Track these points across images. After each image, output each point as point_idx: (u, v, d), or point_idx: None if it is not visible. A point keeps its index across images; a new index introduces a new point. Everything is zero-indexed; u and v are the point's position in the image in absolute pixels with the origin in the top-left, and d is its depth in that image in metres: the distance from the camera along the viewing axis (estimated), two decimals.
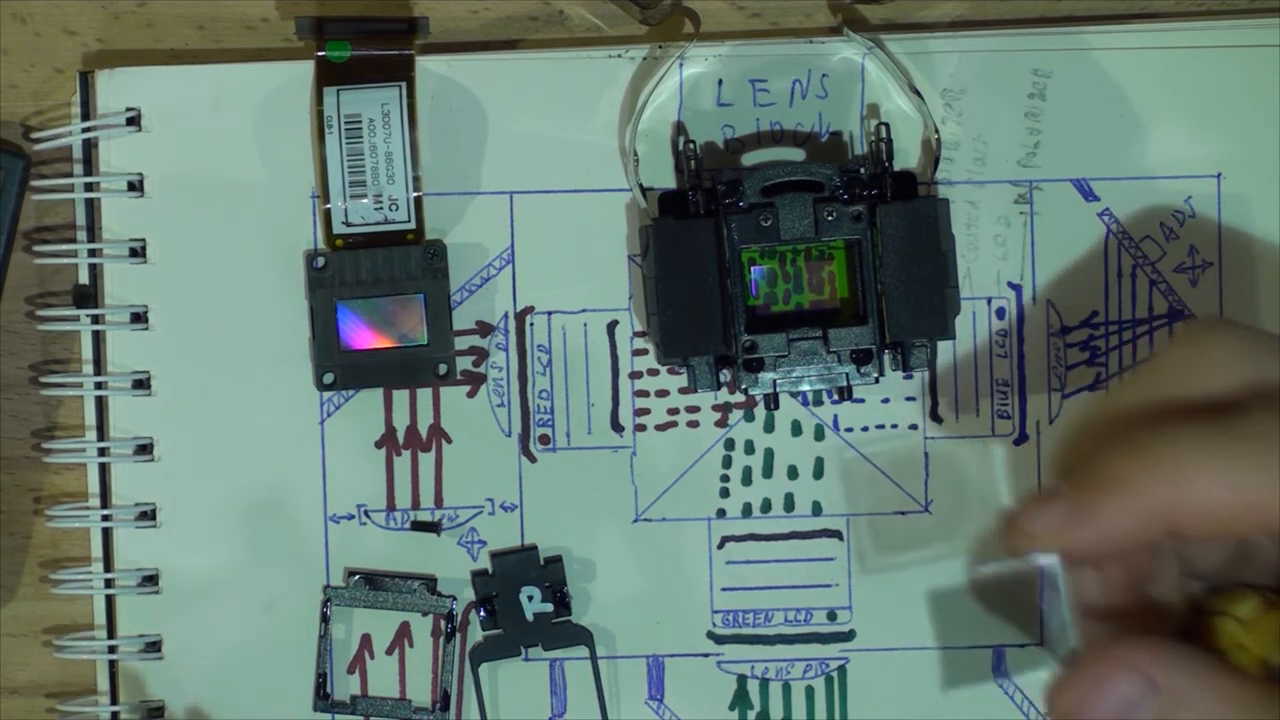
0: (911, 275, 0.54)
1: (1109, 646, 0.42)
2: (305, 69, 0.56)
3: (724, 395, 0.57)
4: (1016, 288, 0.57)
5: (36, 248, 0.56)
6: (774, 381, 0.54)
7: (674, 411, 0.57)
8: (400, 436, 0.57)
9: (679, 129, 0.57)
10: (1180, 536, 0.41)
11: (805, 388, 0.55)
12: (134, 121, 0.56)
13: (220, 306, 0.56)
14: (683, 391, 0.57)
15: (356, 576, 0.57)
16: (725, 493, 0.57)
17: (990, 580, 0.57)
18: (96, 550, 0.57)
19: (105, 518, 0.56)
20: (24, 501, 0.57)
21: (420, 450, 0.57)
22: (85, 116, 0.56)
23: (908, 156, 0.57)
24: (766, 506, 0.57)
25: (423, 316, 0.56)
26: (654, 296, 0.54)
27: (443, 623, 0.57)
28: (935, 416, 0.57)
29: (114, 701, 0.57)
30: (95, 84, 0.56)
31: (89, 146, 0.56)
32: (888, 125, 0.55)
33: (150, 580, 0.57)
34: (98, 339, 0.57)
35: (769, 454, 0.57)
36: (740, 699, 0.57)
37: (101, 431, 0.57)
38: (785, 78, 0.57)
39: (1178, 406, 0.42)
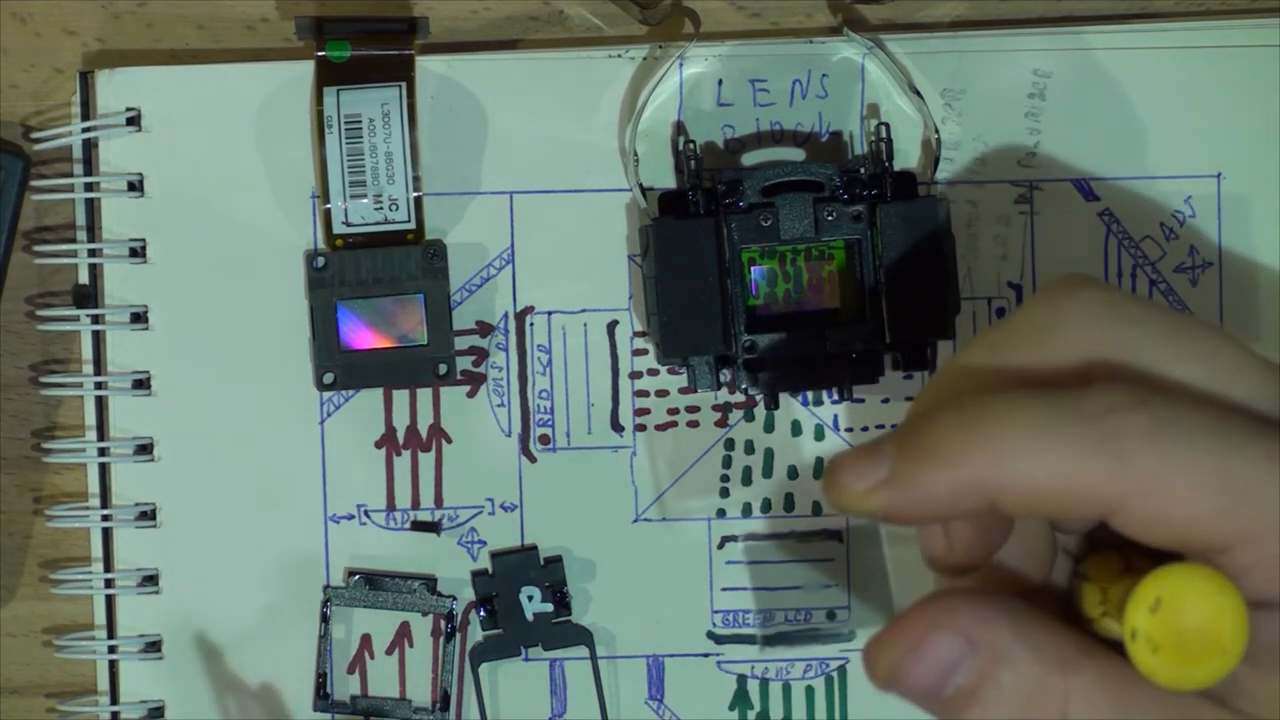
0: (911, 275, 0.54)
1: (926, 603, 0.39)
2: (305, 69, 0.56)
3: (724, 395, 0.57)
4: (1016, 288, 0.57)
5: (36, 248, 0.56)
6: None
7: (674, 411, 0.57)
8: (400, 436, 0.57)
9: (679, 129, 0.57)
10: (1002, 512, 0.39)
11: (805, 388, 0.55)
12: (134, 121, 0.56)
13: (220, 306, 0.56)
14: (683, 391, 0.57)
15: (356, 576, 0.57)
16: (725, 493, 0.57)
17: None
18: (96, 550, 0.57)
19: (105, 518, 0.56)
20: (24, 501, 0.57)
21: (420, 450, 0.57)
22: (85, 116, 0.56)
23: (908, 156, 0.57)
24: (766, 506, 0.57)
25: (423, 316, 0.56)
26: (654, 296, 0.54)
27: (443, 623, 0.57)
28: None
29: (114, 701, 0.57)
30: (95, 84, 0.56)
31: (89, 146, 0.56)
32: (888, 125, 0.55)
33: (150, 580, 0.57)
34: (98, 339, 0.57)
35: (769, 454, 0.57)
36: (740, 699, 0.57)
37: (101, 431, 0.57)
38: (785, 78, 0.57)
39: (1022, 374, 0.40)
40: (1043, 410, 0.38)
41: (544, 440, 0.57)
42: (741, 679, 0.57)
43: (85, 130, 0.56)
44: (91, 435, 0.57)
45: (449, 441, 0.57)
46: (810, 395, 0.57)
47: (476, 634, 0.57)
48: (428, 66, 0.56)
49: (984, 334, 0.42)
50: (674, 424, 0.57)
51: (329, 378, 0.56)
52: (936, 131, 0.56)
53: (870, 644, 0.40)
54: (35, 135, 0.56)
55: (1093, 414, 0.38)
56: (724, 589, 0.57)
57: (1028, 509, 0.39)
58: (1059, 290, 0.41)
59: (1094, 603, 0.40)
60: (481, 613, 0.57)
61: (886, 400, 0.57)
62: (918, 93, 0.56)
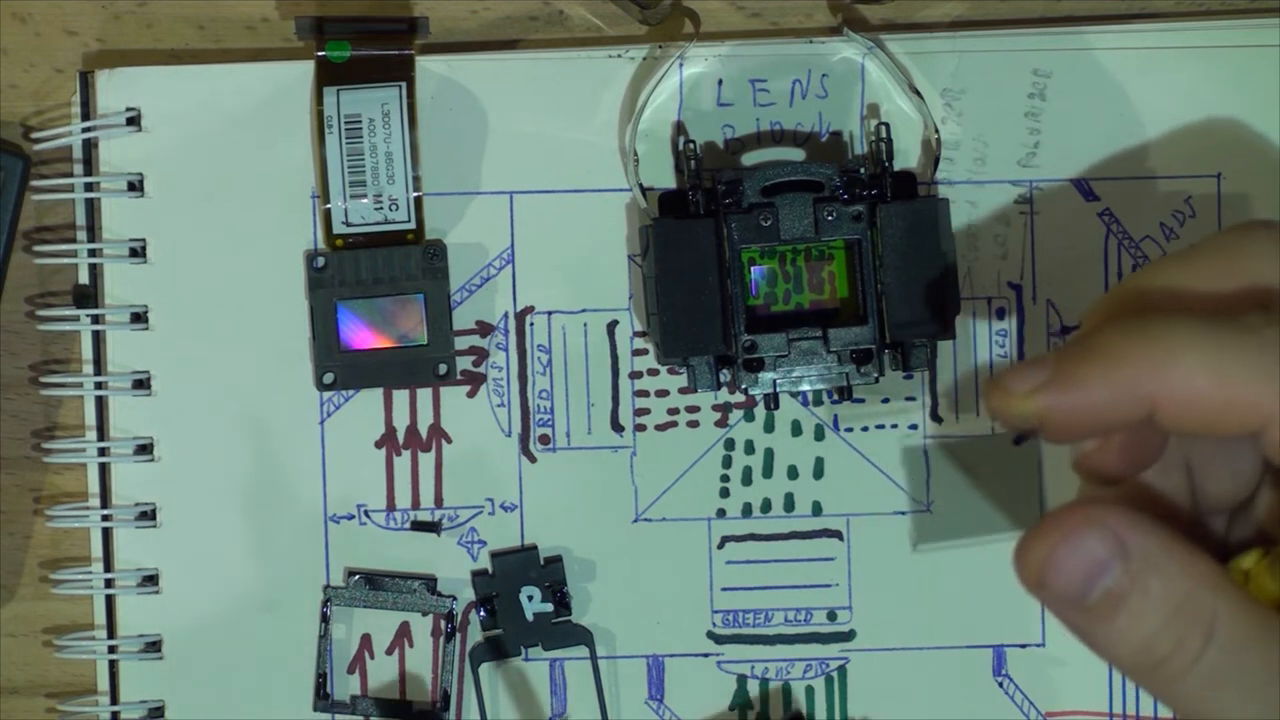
0: (911, 275, 0.54)
1: (1079, 502, 0.40)
2: (305, 69, 0.56)
3: (724, 395, 0.57)
4: (1016, 288, 0.57)
5: (36, 248, 0.56)
6: (774, 381, 0.54)
7: (674, 411, 0.57)
8: (400, 436, 0.57)
9: (679, 129, 0.57)
10: (1161, 425, 0.40)
11: (805, 388, 0.55)
12: (134, 121, 0.56)
13: (220, 306, 0.56)
14: (683, 391, 0.57)
15: (356, 576, 0.57)
16: (725, 493, 0.57)
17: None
18: (96, 550, 0.57)
19: (105, 518, 0.56)
20: (24, 501, 0.57)
21: (420, 450, 0.57)
22: (85, 116, 0.56)
23: (908, 156, 0.57)
24: (766, 506, 0.57)
25: (423, 316, 0.56)
26: (654, 296, 0.54)
27: (443, 623, 0.57)
28: (935, 416, 0.57)
29: (114, 701, 0.57)
30: (95, 84, 0.56)
31: (89, 146, 0.56)
32: (888, 125, 0.55)
33: (150, 580, 0.57)
34: (98, 339, 0.57)
35: (769, 454, 0.57)
36: (740, 699, 0.57)
37: (101, 431, 0.57)
38: (785, 78, 0.57)
39: (1199, 294, 0.41)
40: (1205, 320, 0.39)
41: (544, 440, 0.57)
42: (741, 679, 0.57)
43: (85, 130, 0.56)
44: (91, 435, 0.57)
45: (449, 441, 0.57)
46: (810, 395, 0.57)
47: (476, 634, 0.57)
48: (428, 66, 0.56)
49: (1171, 256, 0.43)
50: (674, 424, 0.57)
51: (329, 378, 0.56)
52: (936, 131, 0.56)
53: (1021, 540, 0.40)
54: (35, 135, 0.56)
55: (1253, 326, 0.39)
56: (724, 589, 0.57)
57: (1184, 417, 0.39)
58: (1251, 223, 0.42)
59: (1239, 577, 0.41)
60: (481, 613, 0.57)
61: (886, 400, 0.57)
62: (918, 93, 0.56)
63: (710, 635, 0.57)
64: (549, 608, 0.56)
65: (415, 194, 0.55)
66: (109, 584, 0.57)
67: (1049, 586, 0.39)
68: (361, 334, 0.56)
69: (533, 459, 0.57)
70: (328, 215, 0.55)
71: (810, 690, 0.57)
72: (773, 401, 0.55)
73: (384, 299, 0.56)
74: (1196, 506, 0.43)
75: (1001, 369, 0.41)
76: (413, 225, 0.55)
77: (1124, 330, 0.40)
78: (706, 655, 0.57)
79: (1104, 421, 0.40)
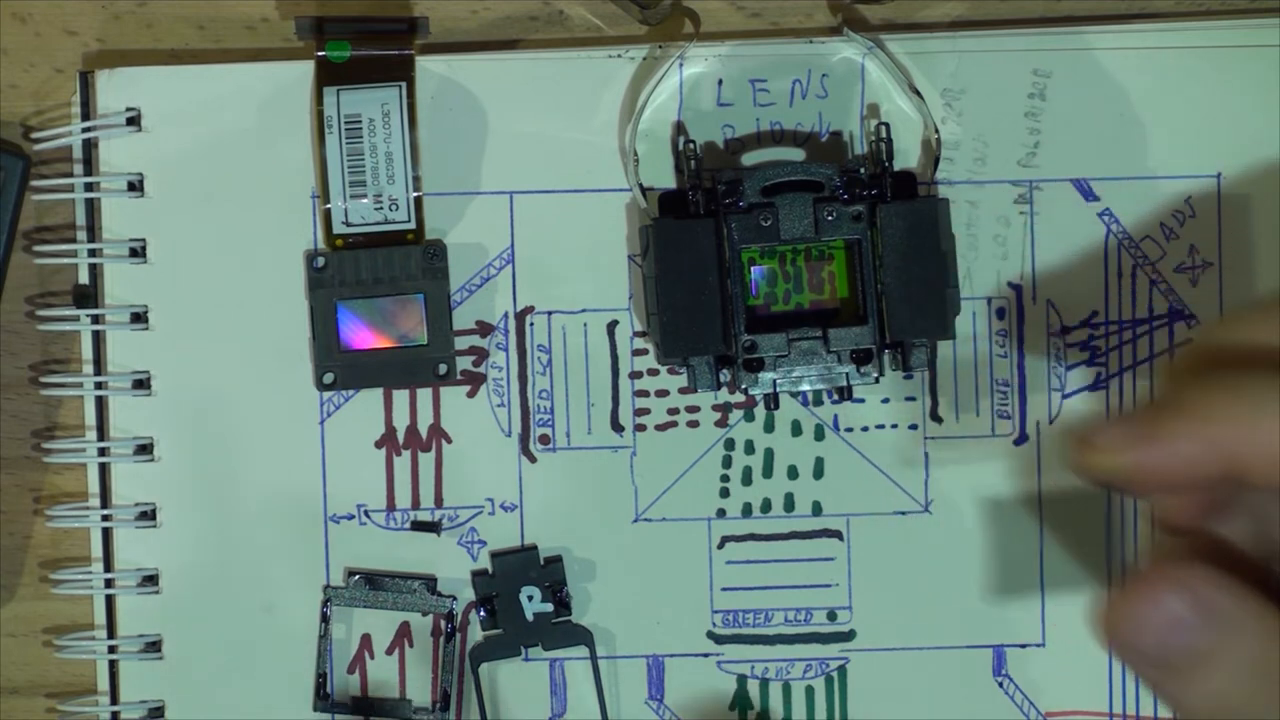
0: (911, 275, 0.54)
1: (1161, 565, 0.41)
2: (305, 69, 0.56)
3: (724, 395, 0.57)
4: (1016, 288, 0.57)
5: (36, 248, 0.56)
6: (774, 381, 0.54)
7: (674, 411, 0.57)
8: (400, 436, 0.57)
9: (679, 129, 0.57)
10: (1245, 481, 0.40)
11: (805, 388, 0.55)
12: (134, 121, 0.56)
13: (220, 306, 0.56)
14: (683, 391, 0.57)
15: (356, 576, 0.57)
16: (725, 493, 0.57)
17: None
18: (96, 550, 0.57)
19: (105, 518, 0.56)
20: (24, 501, 0.57)
21: (420, 450, 0.57)
22: (85, 116, 0.56)
23: (908, 156, 0.57)
24: (766, 506, 0.57)
25: (423, 316, 0.56)
26: (654, 296, 0.54)
27: (443, 623, 0.57)
28: (935, 416, 0.57)
29: (114, 701, 0.57)
30: (95, 84, 0.56)
31: (89, 146, 0.56)
32: (888, 125, 0.55)
33: (150, 580, 0.57)
34: (98, 339, 0.57)
35: (769, 454, 0.57)
36: (740, 699, 0.57)
37: (101, 431, 0.57)
38: (785, 78, 0.57)
39: (1277, 352, 0.41)
40: None
41: (544, 440, 0.57)
42: (741, 679, 0.57)
43: (85, 130, 0.56)
44: (91, 435, 0.57)
45: (449, 441, 0.57)
46: (810, 395, 0.57)
47: (476, 634, 0.57)
48: (428, 66, 0.56)
49: (1253, 308, 0.43)
50: (674, 424, 0.57)
51: (329, 378, 0.56)
52: (936, 131, 0.56)
53: (1105, 601, 0.41)
54: (35, 135, 0.56)
55: None
56: (724, 589, 0.57)
57: (1271, 473, 0.39)
58: None
59: None
60: (481, 613, 0.57)
61: (886, 400, 0.57)
62: (918, 93, 0.56)
63: (710, 635, 0.57)
64: (549, 608, 0.56)
65: (415, 194, 0.55)
66: (109, 584, 0.57)
67: (1131, 646, 0.40)
68: (361, 334, 0.56)
69: (533, 459, 0.57)
70: (328, 215, 0.55)
71: (810, 690, 0.57)
72: (773, 401, 0.55)
73: (384, 299, 0.56)
74: (1264, 554, 0.44)
75: (1091, 425, 0.42)
76: (413, 225, 0.55)
77: (1209, 387, 0.40)
78: (706, 655, 0.57)
79: (1190, 478, 0.41)
